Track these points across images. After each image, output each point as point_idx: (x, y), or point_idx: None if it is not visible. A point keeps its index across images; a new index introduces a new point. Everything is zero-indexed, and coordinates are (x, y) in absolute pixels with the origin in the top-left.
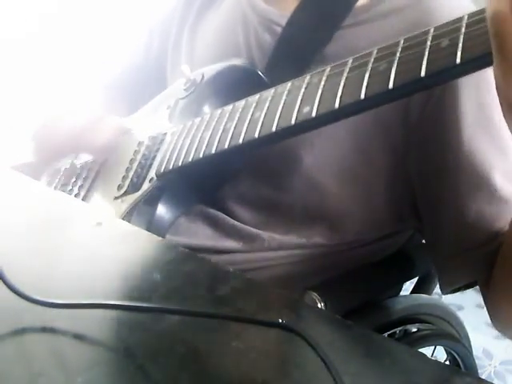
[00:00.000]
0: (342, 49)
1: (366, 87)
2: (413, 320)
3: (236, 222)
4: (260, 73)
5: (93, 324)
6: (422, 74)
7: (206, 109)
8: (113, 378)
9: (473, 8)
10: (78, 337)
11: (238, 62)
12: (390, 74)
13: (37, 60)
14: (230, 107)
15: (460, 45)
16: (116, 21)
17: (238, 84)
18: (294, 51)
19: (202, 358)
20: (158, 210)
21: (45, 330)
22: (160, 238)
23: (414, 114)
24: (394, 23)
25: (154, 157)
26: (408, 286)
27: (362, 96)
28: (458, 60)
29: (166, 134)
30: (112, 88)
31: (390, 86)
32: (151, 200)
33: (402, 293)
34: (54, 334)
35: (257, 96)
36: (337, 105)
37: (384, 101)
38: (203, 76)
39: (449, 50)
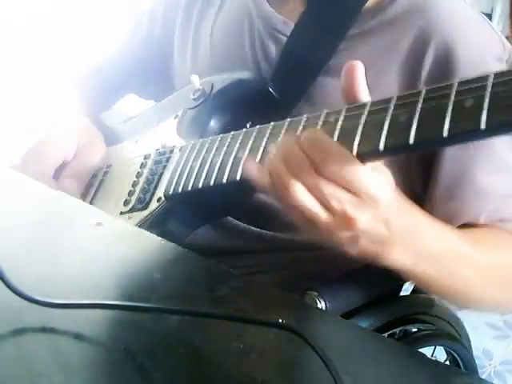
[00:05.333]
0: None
1: (386, 138)
2: (413, 320)
3: (238, 222)
4: (270, 89)
5: (93, 324)
6: (445, 134)
7: (215, 122)
8: (112, 377)
9: (479, 21)
10: (78, 337)
11: (248, 76)
12: (410, 128)
13: (33, 52)
14: (241, 133)
15: (485, 109)
16: (111, 7)
17: (246, 98)
18: (299, 64)
19: (202, 358)
20: (166, 230)
21: (45, 330)
22: (160, 238)
23: None
24: (398, 32)
25: (162, 174)
26: (408, 286)
27: (381, 148)
28: (483, 126)
29: (173, 150)
30: (106, 68)
31: (411, 141)
32: (159, 220)
33: (402, 293)
34: (53, 334)
35: (269, 126)
36: (354, 153)
37: (401, 152)
38: (212, 87)
39: (473, 112)
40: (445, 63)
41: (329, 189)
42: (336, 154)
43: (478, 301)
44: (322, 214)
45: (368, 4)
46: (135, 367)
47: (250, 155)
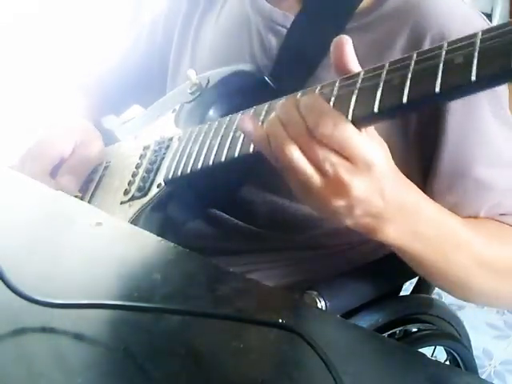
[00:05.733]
0: None
1: (380, 100)
2: (413, 320)
3: (240, 222)
4: (267, 78)
5: (93, 324)
6: (437, 90)
7: (212, 113)
8: (113, 378)
9: (475, 15)
10: (78, 337)
11: (244, 67)
12: (403, 87)
13: (33, 53)
14: (238, 115)
15: (475, 62)
16: (112, 12)
17: (243, 89)
18: (299, 55)
19: (202, 358)
20: (167, 216)
21: (45, 330)
22: (160, 238)
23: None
24: (395, 27)
25: (161, 162)
26: (408, 286)
27: (376, 109)
28: (474, 78)
29: (172, 138)
30: (109, 80)
31: (405, 100)
32: (159, 206)
33: (402, 293)
34: (53, 334)
35: (266, 105)
36: (350, 117)
37: (396, 113)
38: (209, 80)
39: (463, 67)
40: None
41: (323, 152)
42: (330, 117)
43: (478, 293)
44: (316, 178)
45: None
46: (135, 367)
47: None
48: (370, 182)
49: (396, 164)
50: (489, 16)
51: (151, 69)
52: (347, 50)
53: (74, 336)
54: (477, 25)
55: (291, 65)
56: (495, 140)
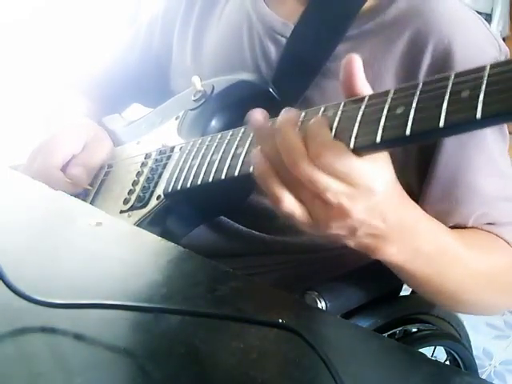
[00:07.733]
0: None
1: (383, 131)
2: (413, 320)
3: (240, 226)
4: (271, 90)
5: (93, 324)
6: (441, 124)
7: (215, 122)
8: (113, 378)
9: (479, 23)
10: (78, 337)
11: (249, 77)
12: (407, 119)
13: (33, 56)
14: (240, 130)
15: (481, 99)
16: (107, 14)
17: (248, 99)
18: (299, 64)
19: (202, 358)
20: (166, 228)
21: (45, 330)
22: (160, 238)
23: None
24: (396, 34)
25: (162, 172)
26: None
27: (378, 140)
28: (479, 115)
29: (173, 148)
30: (105, 82)
31: (408, 132)
32: (158, 218)
33: (402, 293)
34: (53, 334)
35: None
36: (352, 145)
37: (399, 144)
38: (213, 88)
39: (469, 103)
40: (442, 63)
41: (325, 181)
42: (331, 147)
43: (466, 303)
44: (317, 205)
45: (366, 5)
46: (135, 367)
47: (250, 151)
48: (371, 206)
49: (395, 170)
50: (489, 16)
51: (148, 69)
52: (357, 73)
53: (74, 336)
54: (478, 33)
55: (291, 73)
56: (490, 151)
